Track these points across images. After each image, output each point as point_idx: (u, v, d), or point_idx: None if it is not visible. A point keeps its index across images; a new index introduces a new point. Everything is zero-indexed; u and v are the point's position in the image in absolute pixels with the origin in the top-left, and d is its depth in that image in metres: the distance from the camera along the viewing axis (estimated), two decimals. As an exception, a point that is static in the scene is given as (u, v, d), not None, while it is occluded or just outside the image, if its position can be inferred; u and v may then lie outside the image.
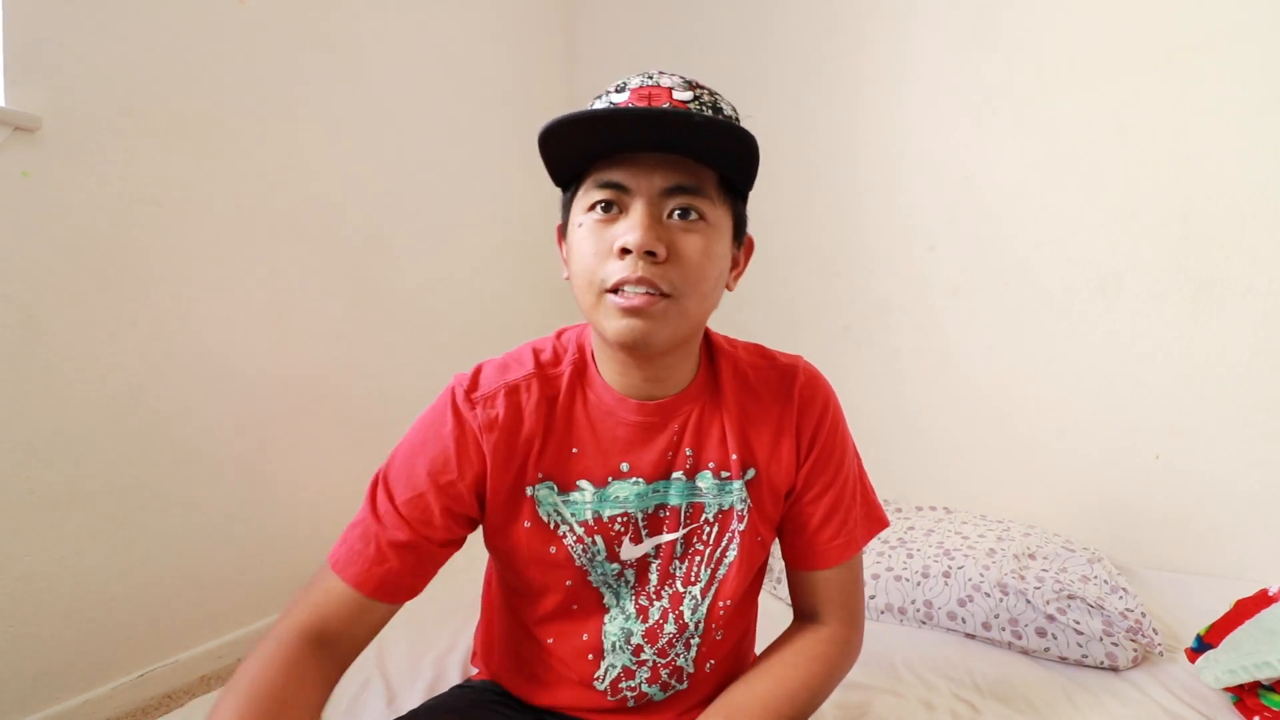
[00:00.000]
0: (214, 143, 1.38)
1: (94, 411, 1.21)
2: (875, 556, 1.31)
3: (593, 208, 0.55)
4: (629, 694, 0.66)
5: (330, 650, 0.57)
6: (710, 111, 0.55)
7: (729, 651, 0.71)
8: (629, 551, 0.64)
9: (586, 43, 2.39)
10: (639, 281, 0.53)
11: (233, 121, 1.42)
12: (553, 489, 0.62)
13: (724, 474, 0.64)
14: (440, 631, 1.14)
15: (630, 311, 0.53)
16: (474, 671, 0.82)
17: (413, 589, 0.61)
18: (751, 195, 0.62)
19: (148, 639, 1.29)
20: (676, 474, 0.64)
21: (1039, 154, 1.61)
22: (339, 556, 0.60)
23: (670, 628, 0.65)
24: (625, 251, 0.53)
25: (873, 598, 1.24)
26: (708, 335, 0.69)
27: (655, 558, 0.65)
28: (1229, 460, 1.42)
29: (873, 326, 1.87)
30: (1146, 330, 1.50)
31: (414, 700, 0.93)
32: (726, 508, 0.65)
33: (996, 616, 1.11)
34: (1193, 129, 1.44)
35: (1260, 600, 0.99)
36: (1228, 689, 0.91)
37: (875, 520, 0.72)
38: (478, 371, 0.65)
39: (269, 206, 1.49)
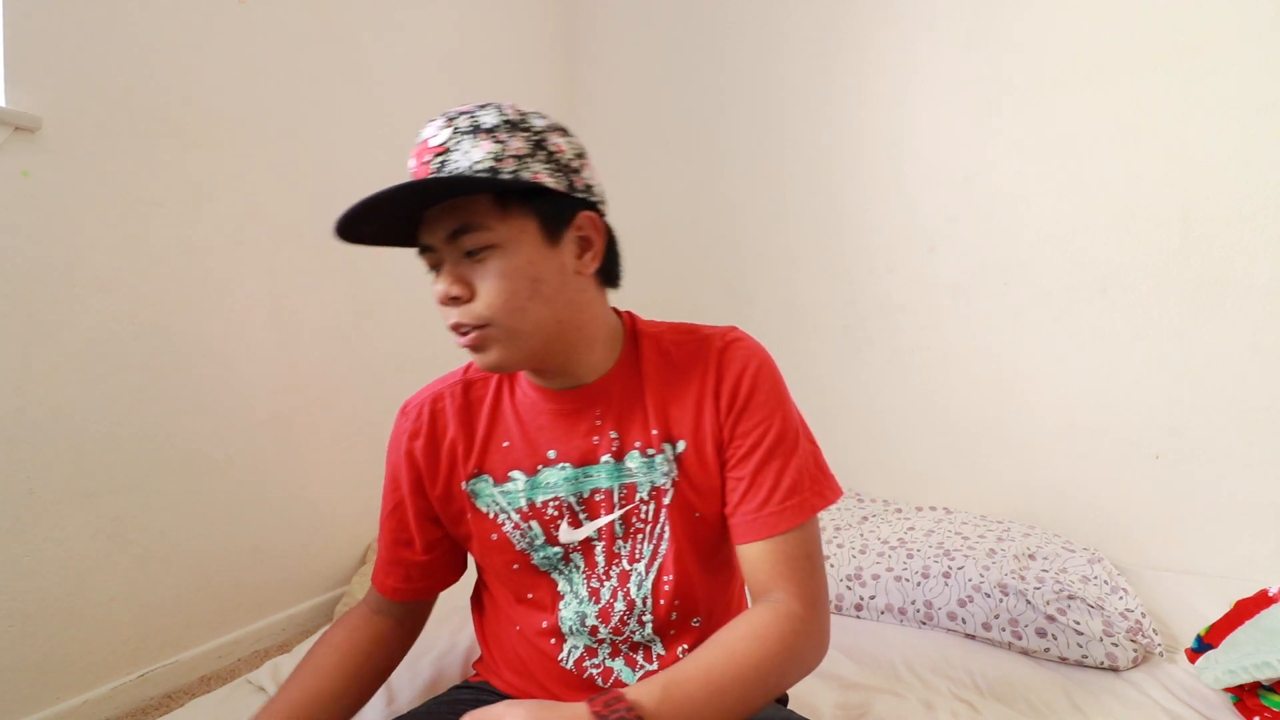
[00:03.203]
0: (214, 143, 1.38)
1: (94, 411, 1.21)
2: (875, 557, 1.31)
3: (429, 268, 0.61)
4: (594, 671, 0.68)
5: (393, 620, 0.73)
6: (469, 137, 0.56)
7: (704, 637, 0.67)
8: (568, 535, 0.67)
9: (587, 43, 2.39)
10: (453, 326, 0.59)
11: (232, 121, 1.42)
12: (489, 481, 0.68)
13: (649, 451, 0.65)
14: (440, 632, 1.13)
15: (468, 349, 0.60)
16: (473, 673, 0.82)
17: (427, 589, 0.73)
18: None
19: (148, 639, 1.30)
20: (604, 457, 0.66)
21: (1039, 154, 1.61)
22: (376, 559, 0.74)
23: (620, 605, 0.66)
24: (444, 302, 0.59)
25: (873, 598, 1.24)
26: (633, 321, 0.70)
27: (598, 540, 0.67)
28: (1229, 460, 1.42)
29: (873, 326, 1.87)
30: (1146, 330, 1.50)
31: (413, 700, 0.93)
32: (658, 484, 0.65)
33: (997, 617, 1.11)
34: (1193, 129, 1.44)
35: (1260, 600, 0.99)
36: (1228, 689, 0.91)
37: (819, 493, 0.65)
38: (421, 390, 0.72)
39: (269, 206, 1.49)
